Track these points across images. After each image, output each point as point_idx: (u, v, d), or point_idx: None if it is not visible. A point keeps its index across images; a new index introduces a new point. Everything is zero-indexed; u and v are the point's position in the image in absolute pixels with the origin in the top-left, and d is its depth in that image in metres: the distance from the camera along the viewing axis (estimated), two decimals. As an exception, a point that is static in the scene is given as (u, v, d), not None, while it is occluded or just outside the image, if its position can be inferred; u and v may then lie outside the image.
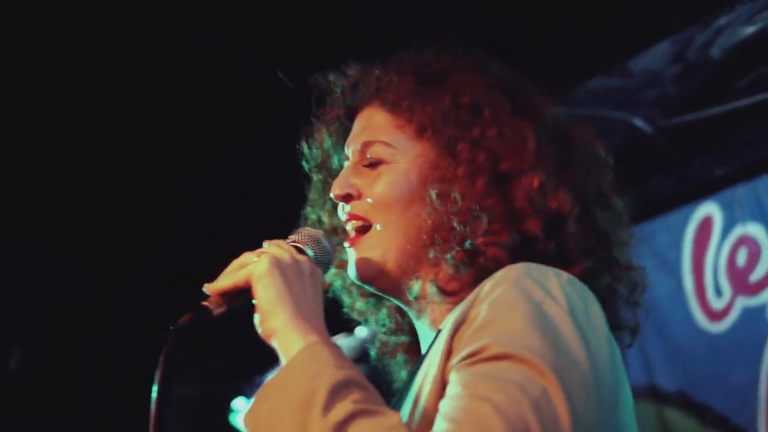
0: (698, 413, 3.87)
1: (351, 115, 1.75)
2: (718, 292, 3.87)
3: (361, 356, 2.65)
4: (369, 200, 1.64)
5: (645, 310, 1.70)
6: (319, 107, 1.79)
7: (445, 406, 1.29)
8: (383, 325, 1.78)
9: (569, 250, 1.57)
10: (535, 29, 3.09)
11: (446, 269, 1.57)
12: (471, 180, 1.57)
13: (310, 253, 1.57)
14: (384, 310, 1.79)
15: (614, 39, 3.28)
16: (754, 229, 3.77)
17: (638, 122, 3.81)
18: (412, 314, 1.68)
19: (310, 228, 1.65)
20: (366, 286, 1.68)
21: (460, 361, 1.33)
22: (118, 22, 3.14)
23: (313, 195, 1.82)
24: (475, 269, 1.54)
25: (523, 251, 1.54)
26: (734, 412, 3.76)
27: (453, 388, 1.31)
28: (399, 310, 1.75)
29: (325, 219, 1.79)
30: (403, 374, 1.75)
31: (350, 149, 1.71)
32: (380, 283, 1.65)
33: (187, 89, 3.46)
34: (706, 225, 3.93)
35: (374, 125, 1.69)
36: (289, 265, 1.46)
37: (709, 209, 3.92)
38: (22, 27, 3.14)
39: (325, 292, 1.68)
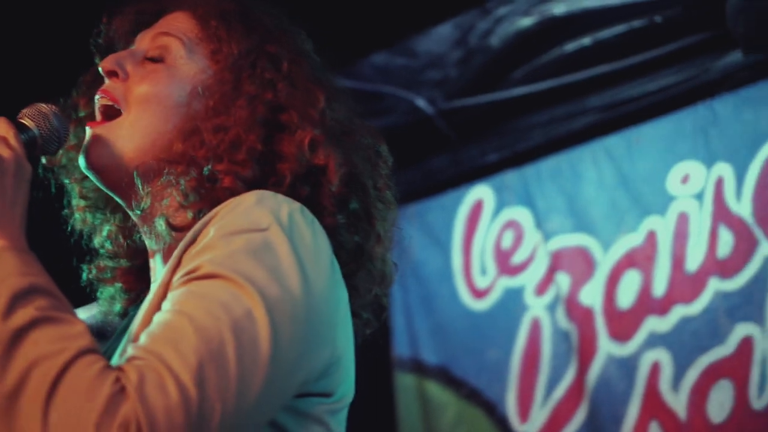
0: (455, 386, 4.03)
1: (158, 16, 1.69)
2: (484, 271, 4.03)
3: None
4: (133, 88, 1.57)
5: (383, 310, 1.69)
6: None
7: (152, 322, 1.30)
8: (102, 247, 1.71)
9: (323, 199, 1.54)
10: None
11: (176, 197, 1.52)
12: (244, 114, 1.53)
13: (35, 131, 1.48)
14: (106, 229, 1.72)
15: (399, 15, 3.36)
16: (520, 213, 3.95)
17: (420, 102, 3.91)
18: (142, 231, 1.61)
19: (43, 104, 1.54)
20: (92, 176, 1.58)
21: (177, 281, 1.33)
22: None
23: (86, 77, 1.74)
24: (204, 199, 1.50)
25: (268, 187, 1.50)
26: (486, 386, 3.94)
27: (164, 306, 1.31)
28: (123, 232, 1.69)
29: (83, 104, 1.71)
30: (118, 307, 1.70)
31: (141, 36, 1.65)
32: (109, 176, 1.57)
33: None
34: (477, 207, 4.09)
35: (176, 24, 1.64)
36: None
37: (482, 192, 4.08)
38: None
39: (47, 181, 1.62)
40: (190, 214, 1.51)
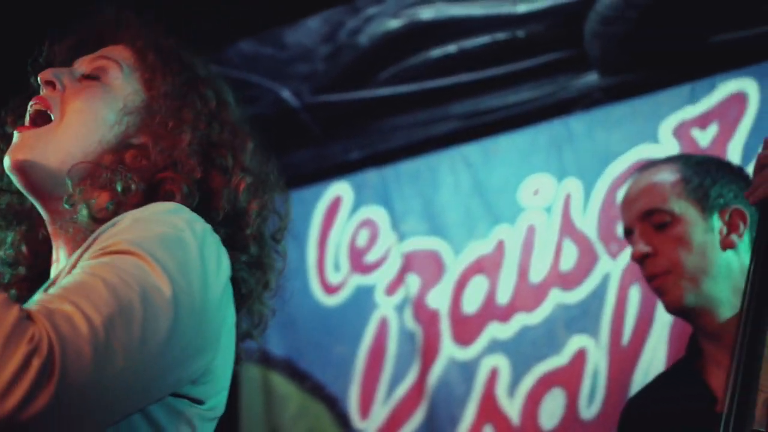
0: (299, 379, 4.05)
1: (98, 46, 1.74)
2: (337, 267, 4.06)
3: None
4: (67, 99, 1.61)
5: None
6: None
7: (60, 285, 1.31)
8: (4, 254, 1.71)
9: (236, 240, 1.61)
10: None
11: (106, 195, 1.55)
12: (186, 139, 1.60)
13: None
14: (11, 236, 1.72)
15: (269, 4, 3.35)
16: (377, 213, 3.99)
17: (286, 94, 3.91)
18: (52, 229, 1.62)
19: None
20: (15, 176, 1.58)
21: (89, 254, 1.36)
22: None
23: (18, 99, 1.74)
24: (133, 202, 1.54)
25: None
26: (330, 381, 3.97)
27: (74, 272, 1.33)
28: (27, 240, 1.71)
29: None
30: None
31: (80, 61, 1.70)
32: (32, 176, 1.57)
33: None
34: (336, 203, 4.11)
35: (115, 52, 1.69)
36: None
37: (341, 189, 4.10)
38: None
39: None
40: (108, 213, 1.54)
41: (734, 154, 3.22)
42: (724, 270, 1.69)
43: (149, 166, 1.57)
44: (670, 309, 1.75)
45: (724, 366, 1.67)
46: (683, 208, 1.75)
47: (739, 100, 3.22)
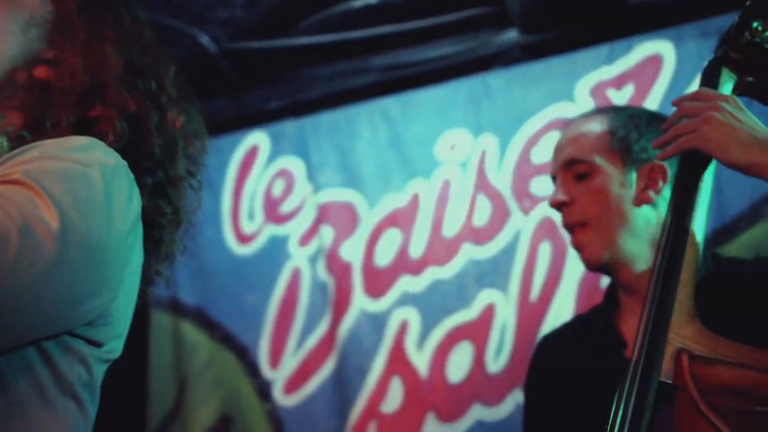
0: (210, 328, 4.02)
1: None
2: (251, 217, 4.03)
3: None
4: None
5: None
6: None
7: None
8: None
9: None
10: None
11: (20, 118, 1.48)
12: (111, 62, 1.50)
13: None
14: None
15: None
16: (293, 164, 3.97)
17: (204, 39, 3.84)
18: None
19: None
20: None
21: None
22: None
23: None
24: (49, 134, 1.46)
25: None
26: (241, 330, 3.96)
27: None
28: None
29: None
30: None
31: None
32: None
33: None
34: (252, 152, 4.07)
35: None
36: None
37: (258, 138, 4.06)
38: None
39: None
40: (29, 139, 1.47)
41: (647, 115, 3.27)
42: (642, 225, 1.70)
43: (74, 88, 1.49)
44: (587, 265, 1.77)
45: (638, 316, 1.70)
46: (604, 160, 1.75)
47: (655, 62, 3.27)
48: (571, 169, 1.76)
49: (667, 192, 1.71)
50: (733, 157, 1.45)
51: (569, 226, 1.77)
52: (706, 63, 1.63)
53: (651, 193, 1.72)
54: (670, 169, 1.74)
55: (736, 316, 1.53)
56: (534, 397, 1.87)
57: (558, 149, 1.81)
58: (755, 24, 1.59)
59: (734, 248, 3.01)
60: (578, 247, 1.77)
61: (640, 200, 1.72)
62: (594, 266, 1.77)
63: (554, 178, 1.81)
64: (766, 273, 1.65)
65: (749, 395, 1.33)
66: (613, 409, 1.39)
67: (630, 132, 1.76)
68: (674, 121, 1.54)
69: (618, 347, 1.70)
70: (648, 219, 1.72)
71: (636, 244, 1.71)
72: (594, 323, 1.78)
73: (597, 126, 1.79)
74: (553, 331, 1.92)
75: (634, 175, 1.74)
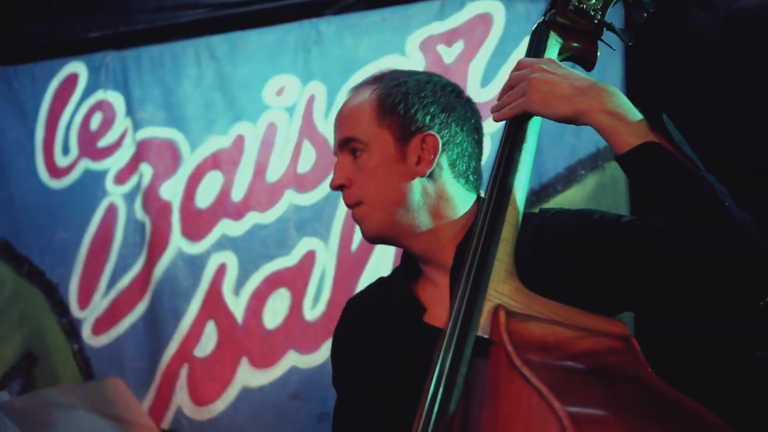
0: (17, 263, 3.85)
1: None
2: (66, 150, 3.87)
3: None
4: None
5: None
6: None
7: None
8: None
9: None
10: None
11: None
12: None
13: None
14: None
15: None
16: (113, 97, 3.83)
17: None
18: None
19: None
20: None
21: None
22: None
23: None
24: None
25: None
26: (50, 267, 3.81)
27: None
28: None
29: None
30: None
31: None
32: None
33: None
34: (70, 83, 3.90)
35: None
36: None
37: (77, 68, 3.89)
38: None
39: None
40: None
41: (476, 73, 3.32)
42: (418, 198, 1.66)
43: None
44: (366, 238, 1.73)
45: (435, 282, 1.72)
46: (375, 134, 1.70)
47: (485, 20, 3.31)
48: (347, 147, 1.70)
49: (445, 162, 1.67)
50: (558, 110, 1.48)
51: (349, 207, 1.72)
52: (534, 26, 1.65)
53: (424, 166, 1.68)
54: (440, 138, 1.66)
55: (547, 274, 1.56)
56: (339, 366, 1.85)
57: (335, 127, 1.73)
58: (583, -9, 1.62)
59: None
60: (357, 221, 1.72)
61: (414, 173, 1.67)
62: (372, 240, 1.73)
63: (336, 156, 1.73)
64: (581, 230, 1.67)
65: (559, 350, 1.37)
66: (432, 361, 1.40)
67: (398, 103, 1.70)
68: (503, 94, 1.56)
69: (416, 313, 1.69)
70: (425, 191, 1.67)
71: (414, 217, 1.67)
72: (394, 290, 1.75)
73: (366, 99, 1.72)
74: (356, 296, 1.89)
75: (405, 148, 1.69)
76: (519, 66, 1.57)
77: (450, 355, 1.39)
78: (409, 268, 1.76)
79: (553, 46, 1.62)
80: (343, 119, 1.73)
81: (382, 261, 3.38)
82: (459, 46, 3.34)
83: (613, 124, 1.46)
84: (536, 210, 1.74)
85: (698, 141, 3.06)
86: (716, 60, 3.05)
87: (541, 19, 1.64)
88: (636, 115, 1.47)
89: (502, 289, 1.43)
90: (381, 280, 1.87)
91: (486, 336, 1.38)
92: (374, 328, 1.78)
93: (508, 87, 1.57)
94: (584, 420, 1.23)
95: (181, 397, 3.56)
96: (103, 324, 3.73)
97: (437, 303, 1.70)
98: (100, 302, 3.74)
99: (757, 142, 2.94)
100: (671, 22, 3.03)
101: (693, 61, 3.06)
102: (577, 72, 1.53)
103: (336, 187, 1.72)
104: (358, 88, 1.76)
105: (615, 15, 1.64)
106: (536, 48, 1.61)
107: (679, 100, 3.02)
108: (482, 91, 3.28)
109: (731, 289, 1.43)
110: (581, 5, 1.63)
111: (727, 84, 3.02)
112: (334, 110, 3.48)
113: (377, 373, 1.74)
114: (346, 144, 1.71)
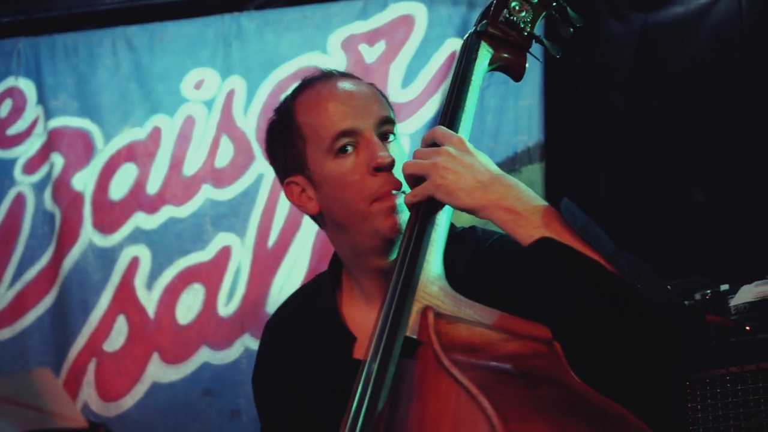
0: None
1: None
2: (-27, 137, 3.76)
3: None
4: None
5: None
6: None
7: None
8: None
9: None
10: None
11: None
12: None
13: None
14: None
15: None
16: (24, 84, 3.74)
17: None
18: None
19: None
20: None
21: None
22: None
23: None
24: None
25: None
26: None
27: None
28: None
29: None
30: None
31: None
32: None
33: None
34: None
35: None
36: None
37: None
38: None
39: None
40: None
41: (396, 73, 3.34)
42: None
43: None
44: (399, 233, 1.69)
45: (357, 304, 1.72)
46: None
47: (407, 22, 3.33)
48: (384, 129, 1.66)
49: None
50: (460, 203, 1.49)
51: (395, 192, 1.69)
52: (465, 36, 1.66)
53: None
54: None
55: (474, 282, 1.57)
56: (264, 399, 1.82)
57: (363, 104, 1.67)
58: (513, 3, 1.65)
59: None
60: (397, 211, 1.68)
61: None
62: (398, 237, 1.71)
63: None
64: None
65: (486, 352, 1.39)
66: (361, 361, 1.41)
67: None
68: (415, 157, 1.53)
69: (346, 344, 1.68)
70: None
71: None
72: (319, 309, 1.72)
73: (377, 90, 1.73)
74: (277, 315, 1.84)
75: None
76: (432, 135, 1.55)
77: (378, 355, 1.39)
78: (335, 277, 1.74)
79: (484, 57, 1.64)
80: (377, 99, 1.70)
81: (298, 258, 3.37)
82: (381, 47, 3.35)
83: (511, 219, 1.47)
84: (468, 226, 1.74)
85: (613, 146, 3.12)
86: (632, 71, 3.12)
87: (472, 30, 1.66)
88: (535, 207, 1.47)
89: (430, 290, 1.44)
90: (304, 290, 1.84)
91: (414, 336, 1.39)
92: (301, 361, 1.75)
93: (418, 157, 1.54)
94: (512, 418, 1.25)
95: (88, 393, 3.49)
96: (7, 316, 3.64)
97: (365, 326, 1.65)
98: (4, 294, 3.64)
99: (672, 150, 3.03)
100: (589, 33, 3.10)
101: (609, 71, 3.13)
102: (482, 160, 1.52)
103: (391, 164, 1.66)
104: (353, 77, 1.74)
105: (539, 28, 1.66)
106: (467, 57, 1.63)
107: (595, 110, 3.09)
108: (403, 92, 3.30)
109: (650, 367, 1.44)
110: (512, 17, 1.65)
111: (641, 94, 3.10)
112: (255, 106, 3.49)
113: (308, 415, 1.73)
114: (384, 124, 1.67)
